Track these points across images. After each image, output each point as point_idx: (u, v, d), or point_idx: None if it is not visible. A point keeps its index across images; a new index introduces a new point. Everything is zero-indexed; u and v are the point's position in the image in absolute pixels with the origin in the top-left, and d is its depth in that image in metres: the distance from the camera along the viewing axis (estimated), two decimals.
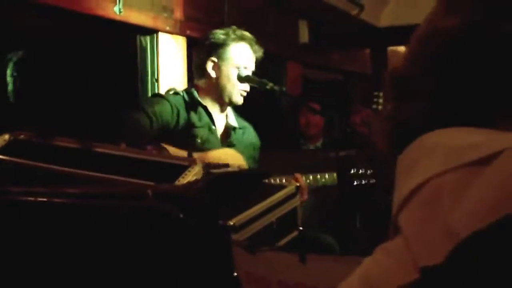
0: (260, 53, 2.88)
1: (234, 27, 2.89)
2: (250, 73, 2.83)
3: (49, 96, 3.97)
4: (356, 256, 1.46)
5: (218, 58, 2.82)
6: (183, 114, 2.74)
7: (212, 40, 2.88)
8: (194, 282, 1.63)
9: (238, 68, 2.79)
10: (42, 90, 3.94)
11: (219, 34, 2.87)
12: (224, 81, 2.80)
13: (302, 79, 5.85)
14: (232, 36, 2.83)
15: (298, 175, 2.87)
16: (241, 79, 2.80)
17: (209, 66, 2.83)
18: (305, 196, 2.84)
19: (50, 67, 3.95)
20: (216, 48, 2.83)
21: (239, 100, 2.83)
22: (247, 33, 2.88)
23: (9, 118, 2.97)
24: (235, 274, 1.54)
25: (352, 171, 2.95)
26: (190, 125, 2.74)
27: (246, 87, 2.83)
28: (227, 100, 2.83)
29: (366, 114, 5.29)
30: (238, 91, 2.80)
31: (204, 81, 2.84)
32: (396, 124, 0.93)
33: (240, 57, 2.81)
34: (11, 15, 3.19)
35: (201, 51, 2.89)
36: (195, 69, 2.91)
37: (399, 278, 0.78)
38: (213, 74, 2.82)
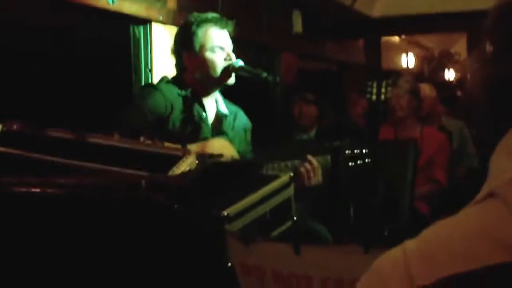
0: (229, 27, 2.84)
1: (195, 13, 2.85)
2: (230, 51, 2.80)
3: (41, 86, 3.96)
4: (349, 245, 1.46)
5: (190, 49, 2.79)
6: (175, 102, 2.73)
7: (180, 34, 2.87)
8: (189, 272, 1.63)
9: (213, 51, 2.77)
10: (32, 80, 3.93)
11: (183, 26, 2.86)
12: (204, 69, 2.78)
13: (296, 70, 5.84)
14: (195, 22, 2.80)
15: (309, 157, 2.83)
16: (235, 69, 2.78)
17: (186, 60, 2.81)
18: (319, 178, 2.81)
19: (42, 57, 3.93)
20: (186, 40, 2.81)
21: (229, 81, 2.80)
22: (209, 14, 2.84)
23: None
24: (230, 264, 1.54)
25: (347, 152, 2.90)
26: (182, 113, 2.73)
27: (230, 63, 2.78)
28: (215, 85, 2.82)
29: (365, 105, 5.29)
30: (222, 72, 2.77)
31: (188, 72, 2.83)
32: (497, 71, 0.82)
33: (210, 40, 2.78)
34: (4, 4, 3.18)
35: (175, 48, 2.87)
36: (176, 66, 2.89)
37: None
38: (192, 67, 2.80)
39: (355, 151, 2.90)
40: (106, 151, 1.98)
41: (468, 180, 4.93)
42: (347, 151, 2.89)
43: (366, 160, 2.90)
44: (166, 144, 2.50)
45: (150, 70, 3.66)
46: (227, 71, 2.76)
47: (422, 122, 4.49)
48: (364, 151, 2.90)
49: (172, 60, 2.92)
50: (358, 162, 2.90)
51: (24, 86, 3.86)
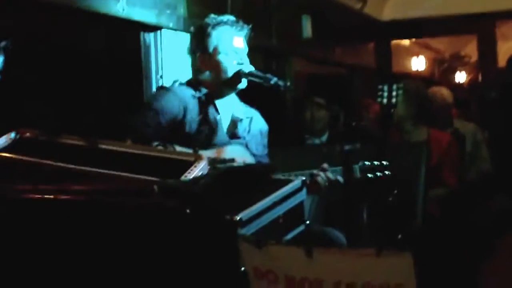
0: (245, 30, 2.83)
1: (212, 15, 2.85)
2: (244, 55, 2.80)
3: (51, 93, 3.98)
4: (362, 248, 1.46)
5: (204, 50, 2.79)
6: (189, 104, 2.73)
7: (195, 34, 2.86)
8: (201, 277, 1.63)
9: (226, 53, 2.76)
10: (43, 87, 3.96)
11: (199, 27, 2.85)
12: (216, 71, 2.78)
13: (306, 74, 5.84)
14: (211, 24, 2.79)
15: (325, 166, 2.83)
16: (245, 74, 2.78)
17: (200, 61, 2.81)
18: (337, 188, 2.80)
19: (54, 64, 3.96)
20: (200, 41, 2.80)
21: (241, 84, 2.79)
22: (226, 16, 2.83)
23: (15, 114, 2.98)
24: (243, 268, 1.54)
25: (367, 163, 2.91)
26: (197, 115, 2.72)
27: (242, 67, 2.77)
28: (227, 88, 2.81)
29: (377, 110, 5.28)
30: (232, 76, 2.76)
31: (203, 75, 2.82)
32: None
33: (224, 42, 2.77)
34: (17, 11, 3.20)
35: (190, 48, 2.86)
36: (192, 67, 2.89)
37: None
38: (205, 68, 2.80)
39: (375, 163, 2.90)
40: (119, 157, 1.99)
41: (481, 184, 4.90)
42: (366, 163, 2.89)
43: (386, 172, 2.90)
44: (178, 149, 2.50)
45: (161, 77, 3.67)
46: (238, 75, 2.76)
47: (436, 126, 4.47)
48: (384, 163, 2.91)
49: (182, 66, 2.93)
50: (378, 174, 2.90)
51: (36, 93, 3.88)
